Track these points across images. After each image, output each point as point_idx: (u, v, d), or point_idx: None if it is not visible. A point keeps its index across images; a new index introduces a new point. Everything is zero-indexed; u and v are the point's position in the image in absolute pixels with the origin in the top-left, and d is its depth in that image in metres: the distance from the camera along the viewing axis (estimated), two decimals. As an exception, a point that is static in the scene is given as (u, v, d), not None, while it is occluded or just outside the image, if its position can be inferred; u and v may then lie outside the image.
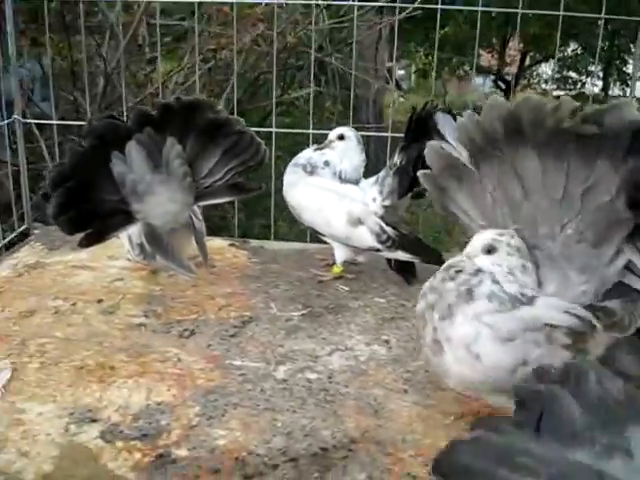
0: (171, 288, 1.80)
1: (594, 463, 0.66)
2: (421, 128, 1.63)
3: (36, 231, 2.26)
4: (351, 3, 2.68)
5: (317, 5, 2.97)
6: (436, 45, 2.83)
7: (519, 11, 2.06)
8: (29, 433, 1.19)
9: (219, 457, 1.14)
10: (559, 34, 2.15)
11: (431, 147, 1.26)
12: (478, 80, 11.63)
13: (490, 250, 1.15)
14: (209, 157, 1.71)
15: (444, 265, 1.19)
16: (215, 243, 2.09)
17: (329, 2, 3.25)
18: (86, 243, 1.63)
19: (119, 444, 1.16)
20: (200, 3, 3.06)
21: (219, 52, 4.04)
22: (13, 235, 2.22)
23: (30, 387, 1.33)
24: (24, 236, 2.25)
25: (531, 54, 10.95)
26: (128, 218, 1.67)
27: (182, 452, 1.15)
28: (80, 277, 1.86)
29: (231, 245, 2.15)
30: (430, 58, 9.83)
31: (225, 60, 4.13)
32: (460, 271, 1.16)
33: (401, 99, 7.53)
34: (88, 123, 1.69)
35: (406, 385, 1.37)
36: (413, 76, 12.21)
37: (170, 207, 1.71)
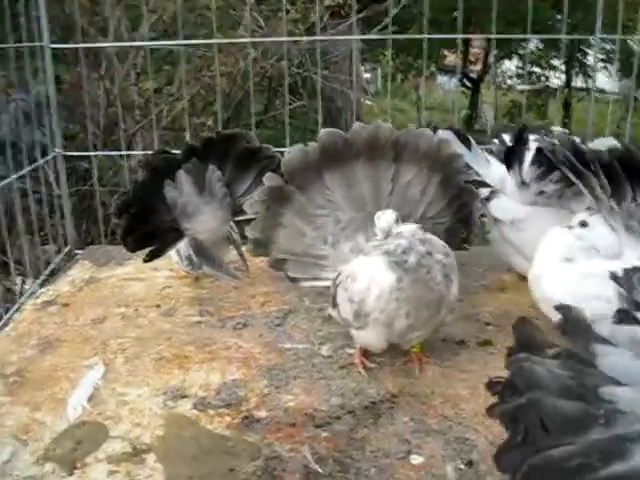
0: (216, 291, 2.10)
1: None
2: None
3: (79, 251, 2.55)
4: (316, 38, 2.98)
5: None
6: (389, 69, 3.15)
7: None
8: (135, 409, 1.49)
9: (292, 414, 1.45)
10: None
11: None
12: (444, 79, 12.02)
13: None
14: (244, 179, 2.03)
15: None
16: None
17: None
18: (148, 259, 1.93)
19: (211, 412, 1.47)
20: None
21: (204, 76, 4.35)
22: (62, 255, 2.51)
23: (123, 376, 1.63)
24: (69, 257, 2.54)
25: (495, 52, 11.35)
26: (180, 235, 1.97)
27: (262, 413, 1.45)
28: (134, 288, 2.15)
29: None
30: (397, 62, 10.19)
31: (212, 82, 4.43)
32: None
33: (368, 102, 7.87)
34: (144, 158, 1.99)
35: (428, 352, 1.69)
36: (380, 80, 12.56)
37: (213, 224, 2.02)
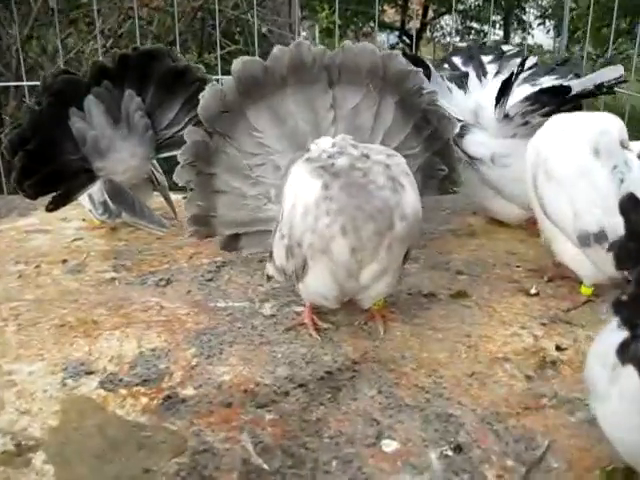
0: (135, 242, 1.76)
1: None
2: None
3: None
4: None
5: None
6: None
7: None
8: (24, 392, 1.14)
9: (228, 391, 1.14)
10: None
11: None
12: (382, 36, 11.73)
13: None
14: (169, 108, 1.68)
15: None
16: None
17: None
18: (53, 207, 1.57)
19: (122, 391, 1.14)
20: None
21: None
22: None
23: (13, 349, 1.27)
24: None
25: (434, 7, 11.09)
26: (91, 177, 1.62)
27: (189, 391, 1.14)
28: (37, 241, 1.78)
29: (184, 198, 2.09)
30: (334, 17, 9.77)
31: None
32: None
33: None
34: (42, 80, 1.60)
35: (392, 307, 1.40)
36: (318, 36, 12.10)
37: (132, 162, 1.67)
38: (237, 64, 1.37)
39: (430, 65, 1.71)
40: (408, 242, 1.21)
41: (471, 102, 1.73)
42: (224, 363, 1.22)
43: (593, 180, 1.31)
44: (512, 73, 1.61)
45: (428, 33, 11.94)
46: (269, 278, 1.41)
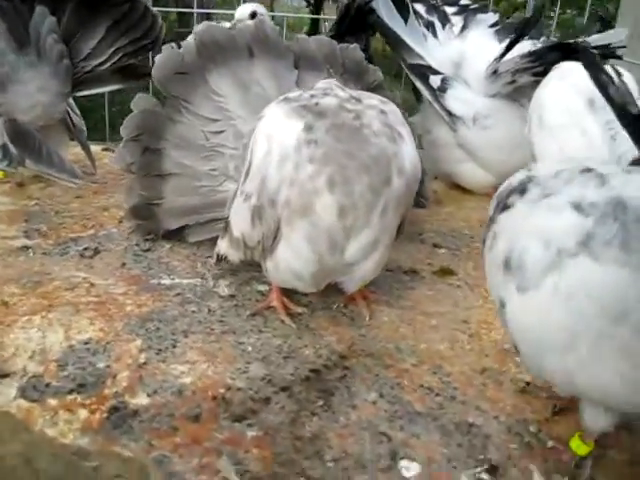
0: (49, 201, 1.44)
1: None
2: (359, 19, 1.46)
3: None
4: None
5: None
6: None
7: None
8: None
9: (192, 399, 0.89)
10: None
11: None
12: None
13: None
14: (91, 33, 1.37)
15: None
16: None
17: None
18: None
19: (51, 402, 0.87)
20: None
21: None
22: None
23: None
24: None
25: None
26: (-14, 114, 1.28)
27: (141, 400, 0.88)
28: None
29: (105, 149, 1.79)
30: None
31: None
32: None
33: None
34: None
35: (372, 286, 1.19)
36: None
37: (41, 98, 1.35)
38: (201, 27, 1.25)
39: (410, 7, 1.50)
40: (403, 207, 1.00)
41: (453, 53, 1.53)
42: (181, 359, 0.97)
43: (584, 131, 1.21)
44: (519, 31, 1.43)
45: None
46: (220, 259, 1.16)
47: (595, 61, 0.85)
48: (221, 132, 1.20)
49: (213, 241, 1.25)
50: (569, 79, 1.26)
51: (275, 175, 0.92)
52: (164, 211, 1.25)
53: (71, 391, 0.89)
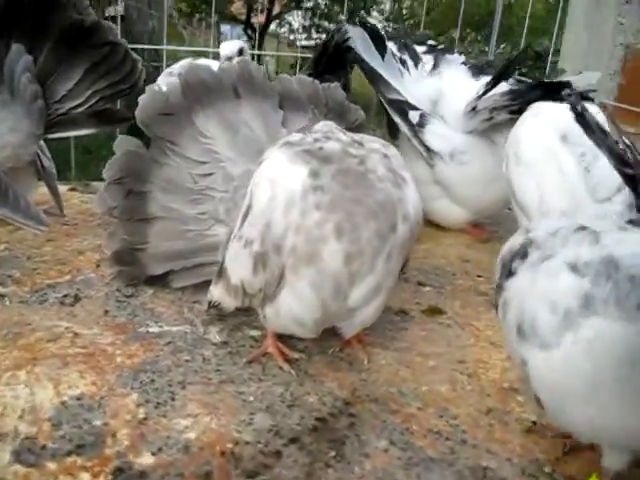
0: (20, 245, 1.38)
1: None
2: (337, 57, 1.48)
3: None
4: None
5: None
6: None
7: None
8: None
9: (200, 456, 0.85)
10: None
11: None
12: (226, 28, 11.48)
13: None
14: (69, 74, 1.32)
15: None
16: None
17: None
18: None
19: (50, 466, 0.81)
20: None
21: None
22: None
23: None
24: None
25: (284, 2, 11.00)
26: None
27: (146, 459, 0.84)
28: None
29: (72, 190, 1.73)
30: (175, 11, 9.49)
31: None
32: None
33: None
34: None
35: (366, 329, 1.17)
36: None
37: (11, 139, 1.29)
38: (186, 67, 1.27)
39: (387, 43, 1.52)
40: (406, 251, 1.00)
41: (430, 90, 1.56)
42: (182, 413, 0.93)
43: (559, 165, 1.24)
44: (503, 68, 1.47)
45: (273, 27, 11.80)
46: (212, 306, 1.13)
47: (583, 112, 0.89)
48: (210, 174, 1.17)
49: (197, 285, 1.22)
50: (543, 116, 1.30)
51: (281, 221, 0.90)
52: (149, 256, 1.21)
53: (70, 453, 0.84)
